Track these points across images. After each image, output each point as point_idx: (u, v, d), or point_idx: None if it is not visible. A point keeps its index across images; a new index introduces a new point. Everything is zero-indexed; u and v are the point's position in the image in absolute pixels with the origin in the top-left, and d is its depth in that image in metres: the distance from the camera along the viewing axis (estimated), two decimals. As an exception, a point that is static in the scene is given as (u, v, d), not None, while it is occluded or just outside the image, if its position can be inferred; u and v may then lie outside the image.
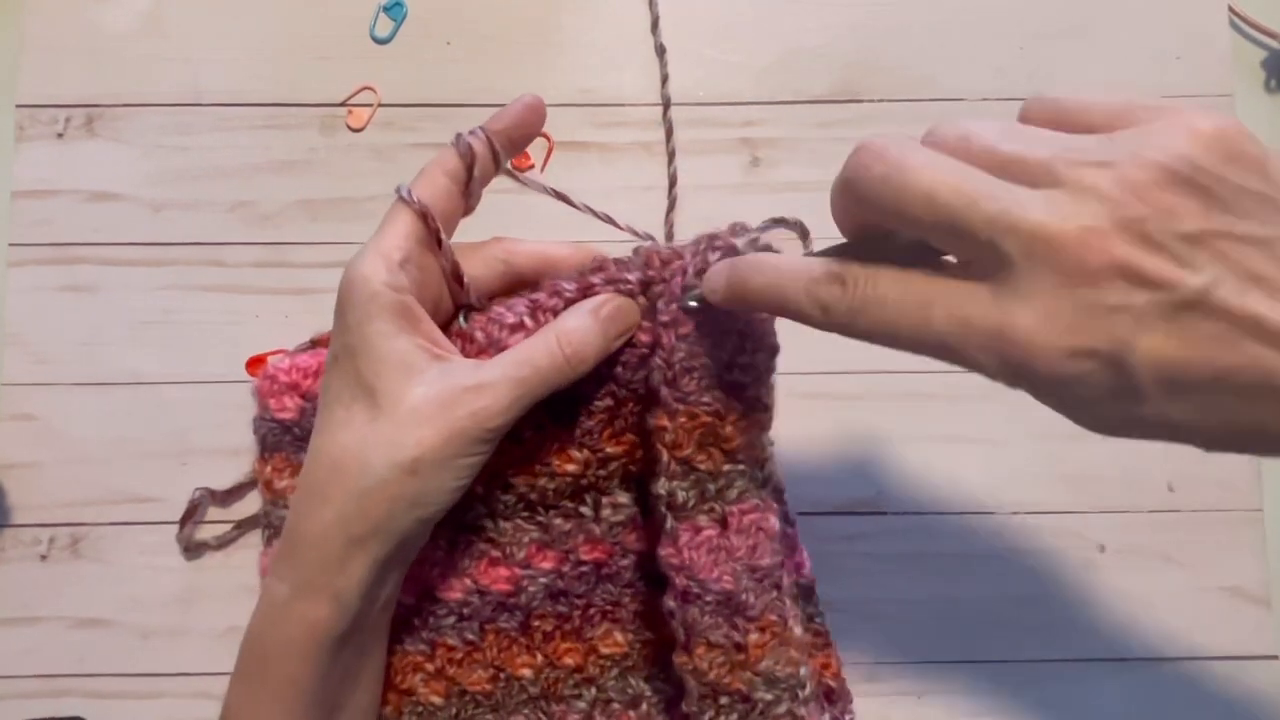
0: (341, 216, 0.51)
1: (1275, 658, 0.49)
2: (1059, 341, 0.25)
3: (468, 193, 0.36)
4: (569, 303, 0.35)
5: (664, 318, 0.35)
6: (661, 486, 0.35)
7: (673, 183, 0.52)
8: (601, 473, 0.39)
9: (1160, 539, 0.50)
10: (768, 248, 0.35)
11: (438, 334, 0.34)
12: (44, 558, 0.49)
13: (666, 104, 0.52)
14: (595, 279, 0.36)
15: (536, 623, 0.40)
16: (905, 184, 0.27)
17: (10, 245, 0.51)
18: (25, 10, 0.52)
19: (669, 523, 0.35)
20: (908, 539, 0.49)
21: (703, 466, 0.35)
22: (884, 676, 0.48)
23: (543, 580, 0.40)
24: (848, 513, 0.49)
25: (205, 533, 0.49)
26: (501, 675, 0.40)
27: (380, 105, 0.52)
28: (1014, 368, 0.27)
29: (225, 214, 0.51)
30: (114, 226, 0.51)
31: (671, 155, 0.52)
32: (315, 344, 0.47)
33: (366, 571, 0.33)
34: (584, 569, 0.40)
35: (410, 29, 0.53)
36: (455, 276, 0.36)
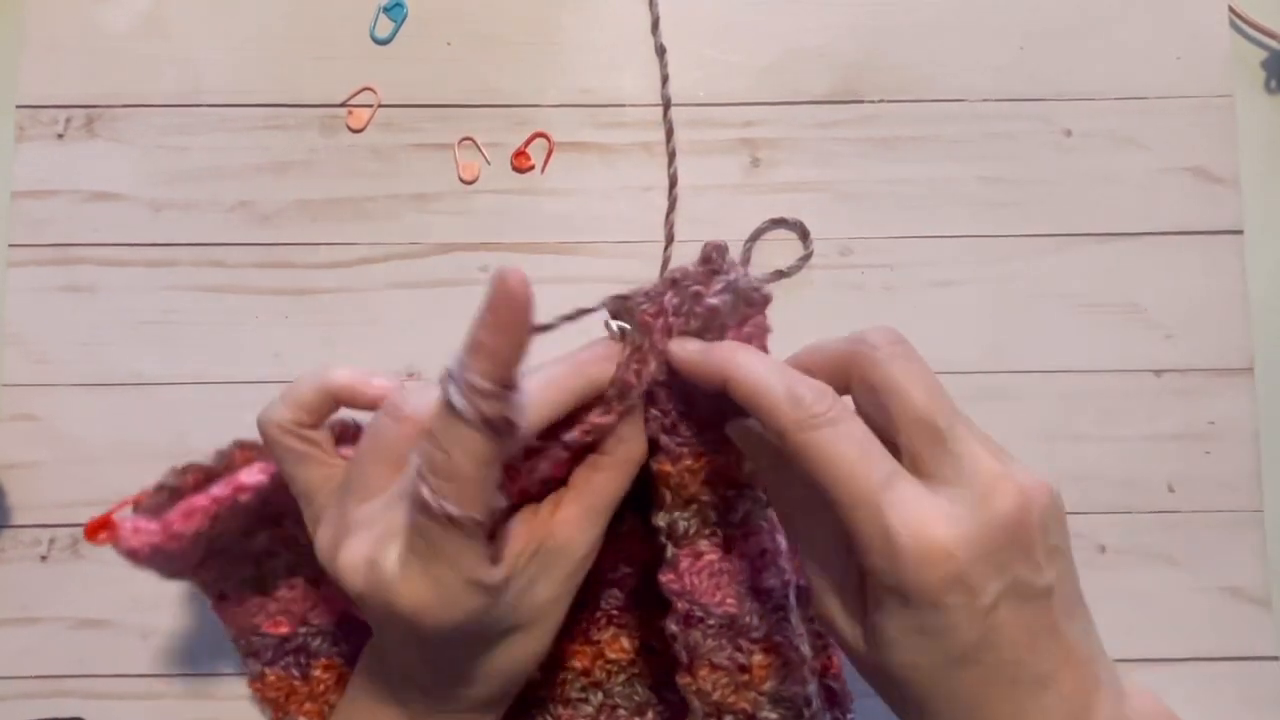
0: (341, 216, 0.51)
1: (1275, 658, 0.49)
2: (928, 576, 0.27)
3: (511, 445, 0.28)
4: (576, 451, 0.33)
5: (660, 378, 0.33)
6: (661, 519, 0.34)
7: (673, 183, 0.52)
8: None
9: (1160, 539, 0.50)
10: (744, 294, 0.33)
11: (506, 547, 0.32)
12: (44, 558, 0.49)
13: (666, 104, 0.52)
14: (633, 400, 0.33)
15: None
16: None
17: (10, 245, 0.51)
18: (25, 10, 0.52)
19: (669, 551, 0.35)
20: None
21: (705, 498, 0.34)
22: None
23: None
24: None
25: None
26: None
27: (380, 106, 0.52)
28: (894, 575, 0.27)
29: (225, 214, 0.51)
30: (114, 226, 0.51)
31: (672, 155, 0.52)
32: (174, 492, 0.39)
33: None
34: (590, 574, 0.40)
35: (410, 29, 0.53)
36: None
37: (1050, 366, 0.51)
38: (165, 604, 0.49)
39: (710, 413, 0.34)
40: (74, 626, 0.48)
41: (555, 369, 0.32)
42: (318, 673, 0.44)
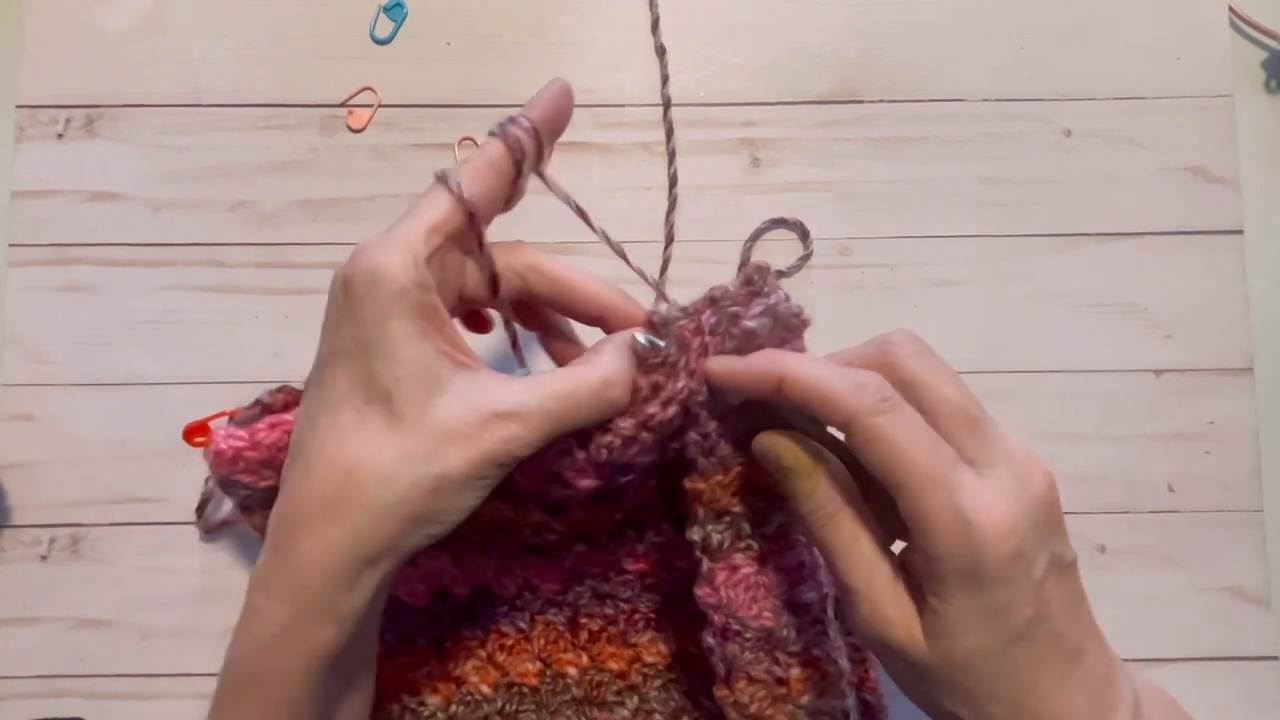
0: (341, 216, 0.51)
1: (1275, 658, 0.49)
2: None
3: (513, 191, 0.34)
4: (627, 441, 0.33)
5: (697, 396, 0.33)
6: (695, 533, 0.34)
7: (673, 183, 0.52)
8: (647, 513, 0.39)
9: (1160, 539, 0.50)
10: (782, 319, 0.33)
11: (460, 339, 0.31)
12: (44, 558, 0.49)
13: (667, 104, 0.52)
14: (653, 409, 0.33)
15: (584, 620, 0.41)
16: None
17: (10, 245, 0.51)
18: (25, 10, 0.52)
19: (705, 565, 0.34)
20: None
21: (737, 510, 0.34)
22: (884, 675, 0.48)
23: (590, 582, 0.41)
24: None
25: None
26: (548, 671, 0.41)
27: (380, 106, 0.52)
28: (970, 555, 0.28)
29: (225, 214, 0.51)
30: (114, 226, 0.51)
31: (672, 155, 0.52)
32: (265, 408, 0.42)
33: (374, 590, 0.30)
34: (627, 577, 0.41)
35: (410, 29, 0.53)
36: (491, 282, 0.34)
37: (1050, 366, 0.51)
38: (165, 604, 0.49)
39: (743, 431, 0.33)
40: (74, 626, 0.48)
41: (576, 382, 0.31)
42: None
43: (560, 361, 0.39)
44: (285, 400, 0.42)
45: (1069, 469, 0.50)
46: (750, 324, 0.32)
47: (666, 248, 0.51)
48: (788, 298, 0.33)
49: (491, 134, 0.33)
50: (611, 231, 0.52)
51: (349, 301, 0.30)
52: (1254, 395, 0.51)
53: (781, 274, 0.51)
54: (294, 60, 0.53)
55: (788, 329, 0.33)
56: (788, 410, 0.32)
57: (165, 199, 0.51)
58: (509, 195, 0.34)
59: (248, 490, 0.41)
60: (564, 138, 0.52)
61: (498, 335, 0.38)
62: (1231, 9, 0.53)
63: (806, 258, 0.51)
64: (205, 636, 0.48)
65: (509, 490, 0.34)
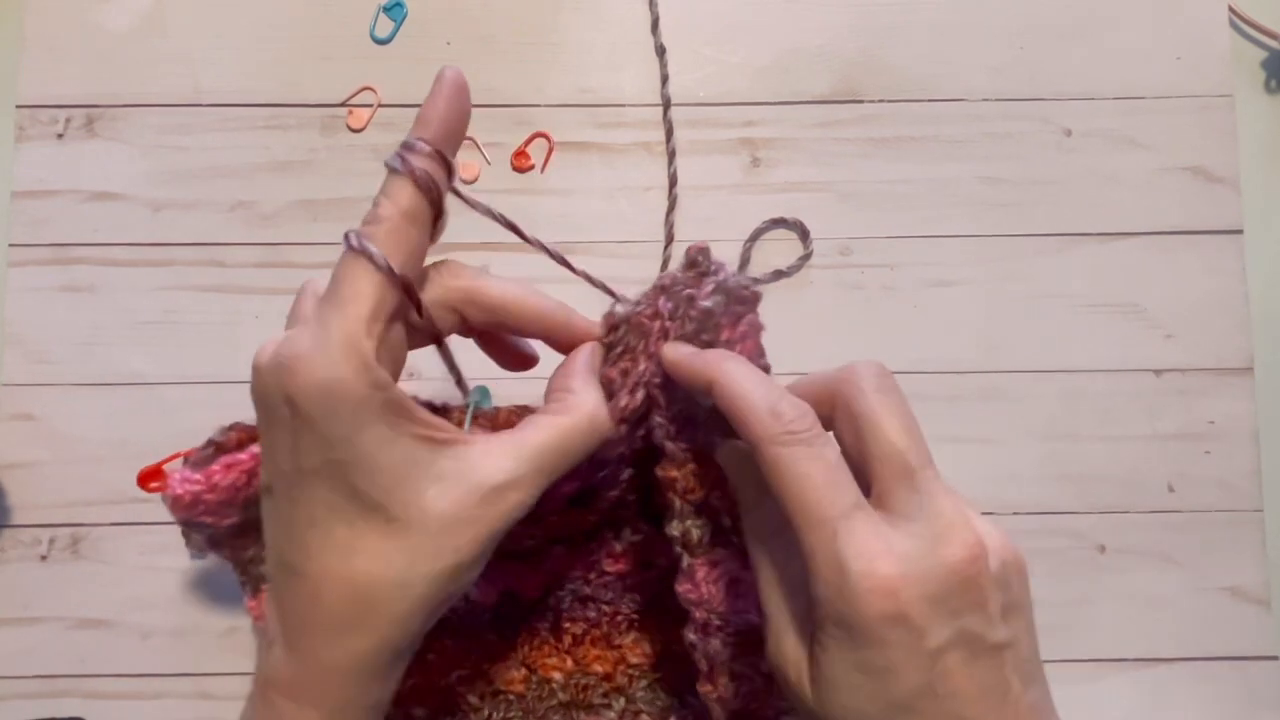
0: (341, 216, 0.51)
1: (1275, 658, 0.49)
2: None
3: (436, 229, 0.30)
4: (607, 440, 0.33)
5: (655, 379, 0.33)
6: (675, 528, 0.34)
7: (673, 183, 0.52)
8: (623, 512, 0.39)
9: (1160, 539, 0.50)
10: (733, 293, 0.33)
11: (427, 415, 0.29)
12: (44, 558, 0.49)
13: (666, 104, 0.52)
14: (624, 400, 0.33)
15: (567, 624, 0.41)
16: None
17: (10, 245, 0.51)
18: (25, 10, 0.52)
19: (685, 560, 0.34)
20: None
21: (716, 503, 0.34)
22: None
23: (570, 585, 0.40)
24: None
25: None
26: (534, 677, 0.41)
27: (380, 105, 0.52)
28: (839, 603, 0.27)
29: (225, 214, 0.51)
30: (114, 226, 0.51)
31: (672, 155, 0.52)
32: (219, 447, 0.42)
33: (402, 669, 0.31)
34: (608, 578, 0.40)
35: (410, 29, 0.53)
36: (434, 339, 0.32)
37: (1050, 366, 0.51)
38: (165, 604, 0.49)
39: (714, 420, 0.33)
40: (74, 626, 0.48)
41: (564, 432, 0.31)
42: None
43: (504, 362, 0.36)
44: (239, 438, 0.42)
45: (1069, 469, 0.50)
46: (706, 303, 0.32)
47: (666, 248, 0.51)
48: (734, 273, 0.33)
49: (392, 170, 0.29)
50: (611, 232, 0.52)
51: (302, 422, 0.27)
52: (1254, 395, 0.51)
53: (781, 274, 0.51)
54: (294, 60, 0.53)
55: (740, 302, 0.33)
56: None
57: (165, 199, 0.51)
58: (434, 234, 0.30)
59: (212, 529, 0.42)
60: (564, 137, 0.52)
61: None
62: (1231, 9, 0.53)
63: (806, 258, 0.51)
64: (205, 636, 0.48)
65: None
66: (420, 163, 0.28)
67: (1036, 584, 0.29)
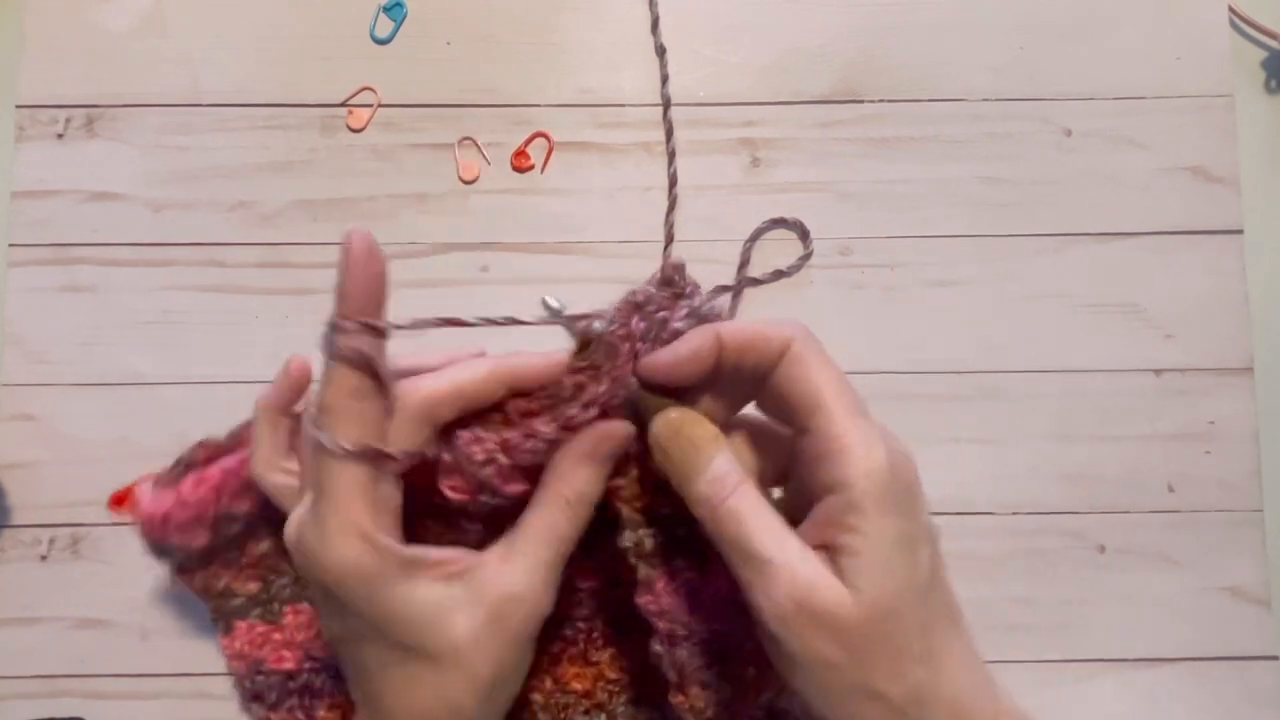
0: (341, 216, 0.51)
1: (1275, 658, 0.49)
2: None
3: (386, 394, 0.31)
4: (550, 444, 0.32)
5: (614, 400, 0.33)
6: (627, 539, 0.33)
7: (673, 183, 0.52)
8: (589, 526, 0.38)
9: (1160, 539, 0.50)
10: (705, 320, 0.33)
11: (435, 553, 0.32)
12: (44, 558, 0.49)
13: (666, 104, 0.52)
14: (573, 410, 0.32)
15: (542, 643, 0.40)
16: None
17: (10, 245, 0.51)
18: (25, 10, 0.52)
19: (642, 571, 0.34)
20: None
21: (666, 512, 0.33)
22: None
23: None
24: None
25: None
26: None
27: (380, 105, 0.52)
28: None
29: (225, 214, 0.51)
30: (114, 226, 0.51)
31: (672, 155, 0.52)
32: (188, 466, 0.42)
33: None
34: (581, 594, 0.40)
35: (410, 29, 0.53)
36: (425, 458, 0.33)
37: (1050, 366, 0.51)
38: (165, 604, 0.49)
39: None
40: (74, 626, 0.48)
41: (561, 530, 0.32)
42: (322, 713, 0.44)
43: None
44: (207, 455, 0.43)
45: (1069, 469, 0.50)
46: (679, 325, 0.32)
47: (666, 248, 0.51)
48: (705, 297, 0.33)
49: (327, 358, 0.30)
50: (611, 231, 0.52)
51: (337, 600, 0.31)
52: (1254, 395, 0.51)
53: (781, 274, 0.51)
54: (294, 60, 0.53)
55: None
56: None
57: (165, 199, 0.51)
58: (384, 389, 0.31)
59: (182, 552, 0.42)
60: (565, 137, 0.52)
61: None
62: (1231, 9, 0.53)
63: (806, 258, 0.51)
64: (205, 636, 0.48)
65: (438, 507, 0.34)
66: (349, 342, 0.29)
67: (1037, 584, 0.29)
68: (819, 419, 0.30)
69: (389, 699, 0.32)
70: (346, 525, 0.30)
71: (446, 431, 0.33)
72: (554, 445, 0.32)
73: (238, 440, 0.43)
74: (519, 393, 0.33)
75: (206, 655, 0.48)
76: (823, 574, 0.29)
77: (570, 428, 0.32)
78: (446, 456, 0.33)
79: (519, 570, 0.32)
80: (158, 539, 0.41)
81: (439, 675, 0.31)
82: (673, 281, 0.33)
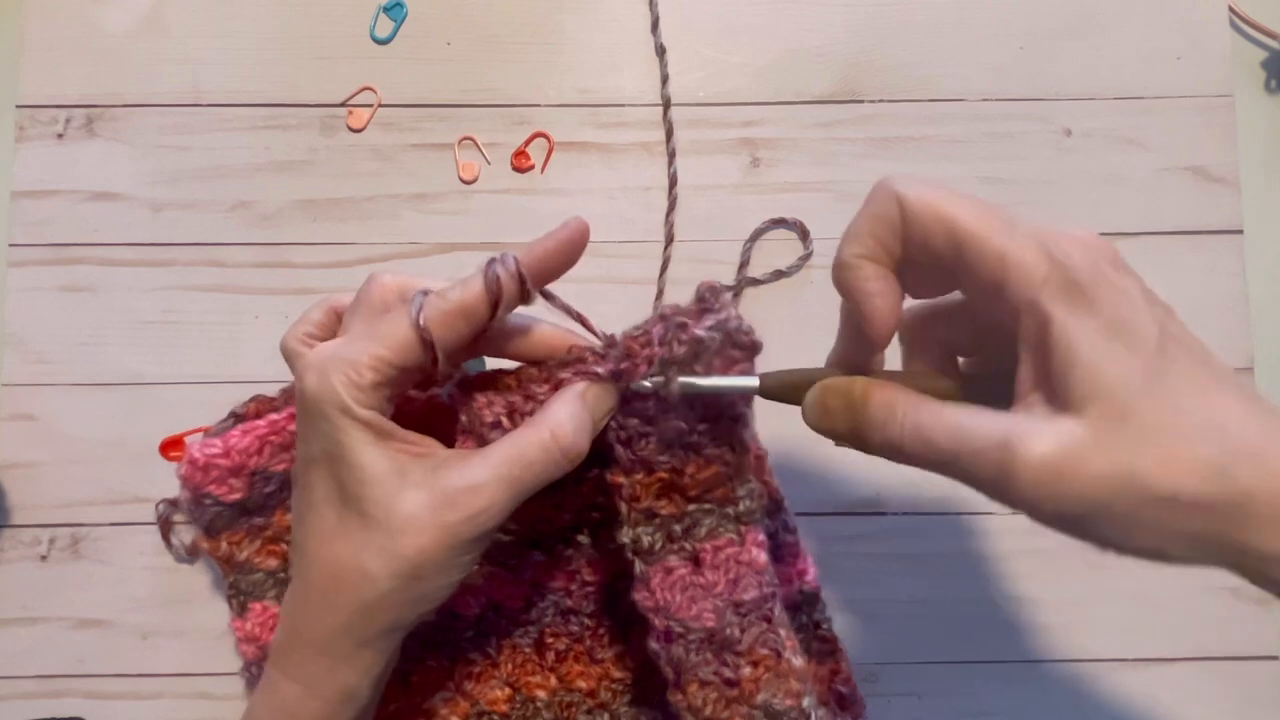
0: (341, 216, 0.51)
1: (1275, 658, 0.49)
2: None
3: (484, 332, 0.33)
4: (541, 404, 0.34)
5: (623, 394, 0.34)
6: (625, 535, 0.34)
7: (673, 183, 0.52)
8: (595, 514, 0.39)
9: (1160, 539, 0.50)
10: (732, 336, 0.33)
11: (412, 435, 0.33)
12: (44, 558, 0.49)
13: (667, 104, 0.52)
14: (566, 374, 0.34)
15: (550, 640, 0.41)
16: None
17: (10, 245, 0.51)
18: (25, 10, 0.52)
19: (638, 567, 0.34)
20: (908, 539, 0.49)
21: (664, 511, 0.34)
22: (884, 676, 0.48)
23: (551, 597, 0.40)
24: (848, 513, 0.49)
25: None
26: (518, 696, 0.40)
27: (380, 105, 0.52)
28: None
29: (225, 214, 0.51)
30: (114, 226, 0.51)
31: (672, 155, 0.52)
32: (238, 418, 0.44)
33: (376, 666, 0.33)
34: (590, 589, 0.40)
35: (410, 29, 0.53)
36: (440, 380, 0.35)
37: (1050, 366, 0.51)
38: (165, 604, 0.49)
39: (671, 437, 0.34)
40: (74, 626, 0.48)
41: (525, 443, 0.32)
42: None
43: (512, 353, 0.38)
44: (258, 408, 0.43)
45: (1069, 469, 0.50)
46: (699, 333, 0.32)
47: (666, 248, 0.51)
48: (740, 318, 0.33)
49: (482, 270, 0.32)
50: (611, 232, 0.52)
51: (308, 415, 0.32)
52: (1254, 395, 0.51)
53: (781, 274, 0.51)
54: (294, 60, 0.53)
55: (737, 346, 0.33)
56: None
57: (165, 199, 0.51)
58: (487, 328, 0.33)
59: (215, 505, 0.42)
60: (565, 137, 0.52)
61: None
62: (1231, 9, 0.53)
63: (806, 258, 0.51)
64: (205, 636, 0.48)
65: None
66: (502, 275, 0.32)
67: (1036, 584, 0.29)
68: (969, 253, 0.28)
69: (313, 542, 0.32)
70: (357, 364, 0.31)
71: (466, 395, 0.34)
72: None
73: (290, 398, 0.44)
74: (534, 363, 0.35)
75: (206, 655, 0.48)
76: (1031, 427, 0.27)
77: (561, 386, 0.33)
78: (463, 418, 0.34)
79: (476, 471, 0.31)
80: (196, 486, 0.42)
81: (364, 535, 0.31)
82: (704, 299, 0.33)
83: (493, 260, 0.32)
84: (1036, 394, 0.28)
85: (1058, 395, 0.27)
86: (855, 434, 0.31)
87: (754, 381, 0.33)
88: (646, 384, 0.33)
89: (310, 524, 0.32)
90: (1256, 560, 0.27)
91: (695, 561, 0.34)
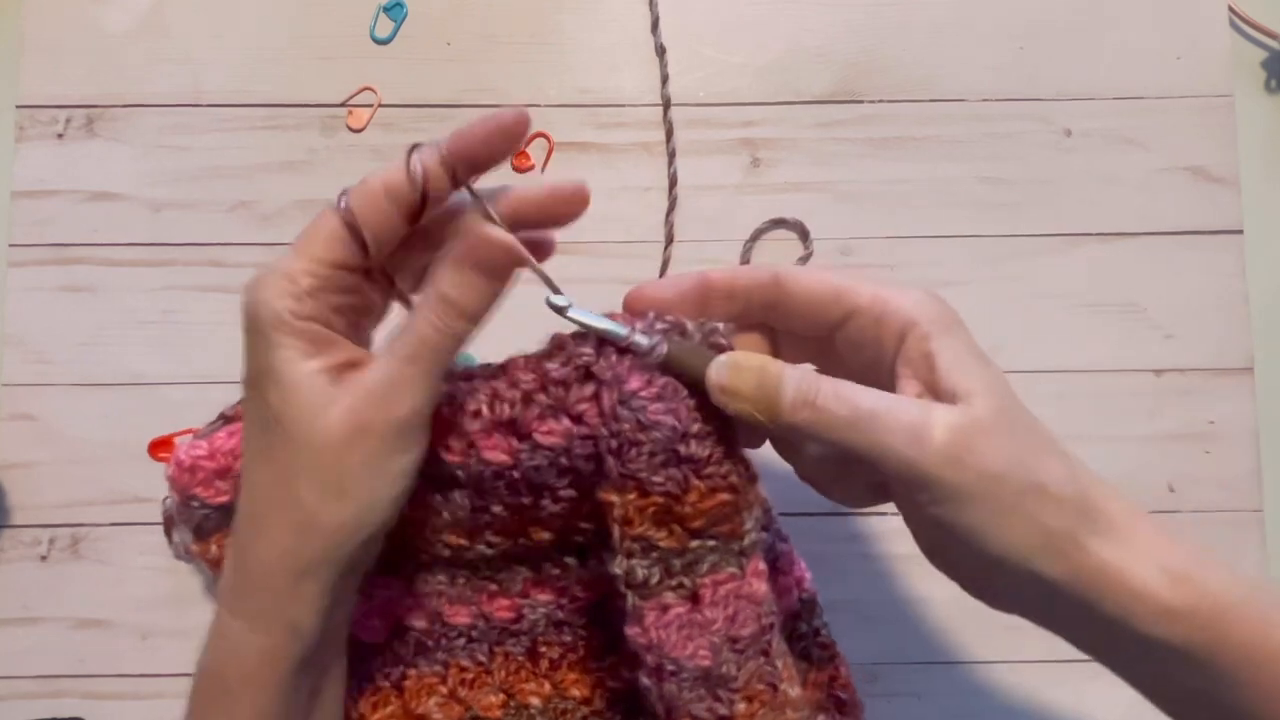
0: (341, 216, 0.51)
1: (1275, 658, 0.49)
2: None
3: (415, 218, 0.32)
4: (526, 394, 0.33)
5: (604, 375, 0.32)
6: (618, 565, 0.32)
7: (673, 183, 0.52)
8: (578, 538, 0.37)
9: (1160, 539, 0.50)
10: (716, 343, 0.33)
11: (354, 349, 0.32)
12: (44, 558, 0.49)
13: (666, 104, 0.52)
14: (552, 365, 0.33)
15: (543, 649, 0.40)
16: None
17: (10, 245, 0.51)
18: (25, 10, 0.52)
19: (631, 601, 0.33)
20: (908, 539, 0.49)
21: (663, 544, 0.32)
22: (884, 676, 0.48)
23: (542, 610, 0.39)
24: (848, 513, 0.49)
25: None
26: (511, 702, 0.40)
27: (380, 105, 0.52)
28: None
29: (225, 214, 0.51)
30: (114, 226, 0.51)
31: (672, 155, 0.52)
32: (227, 419, 0.43)
33: (319, 599, 0.31)
34: (581, 603, 0.39)
35: (410, 29, 0.53)
36: (401, 298, 0.34)
37: (1050, 366, 0.51)
38: (165, 604, 0.49)
39: (667, 447, 0.32)
40: (74, 626, 0.48)
41: (418, 321, 0.31)
42: None
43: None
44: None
45: (1069, 469, 0.50)
46: (687, 323, 0.33)
47: (666, 248, 0.51)
48: (718, 326, 0.34)
49: (406, 154, 0.32)
50: (611, 232, 0.52)
51: (247, 334, 0.31)
52: (1254, 395, 0.51)
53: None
54: (294, 60, 0.53)
55: (714, 349, 0.33)
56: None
57: (165, 199, 0.51)
58: (410, 222, 0.32)
59: (203, 508, 0.42)
60: (565, 137, 0.52)
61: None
62: (1231, 9, 0.53)
63: (806, 258, 0.51)
64: (205, 636, 0.48)
65: (432, 476, 0.34)
66: (425, 157, 0.31)
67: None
68: (848, 300, 0.33)
69: (250, 463, 0.32)
70: (286, 272, 0.30)
71: (451, 387, 0.33)
72: (528, 397, 0.33)
73: None
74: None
75: (206, 655, 0.48)
76: (937, 405, 0.30)
77: (546, 380, 0.33)
78: (445, 410, 0.33)
79: (379, 365, 0.31)
80: (184, 488, 0.41)
81: (289, 454, 0.30)
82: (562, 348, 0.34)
83: (413, 147, 0.31)
84: (925, 397, 0.31)
85: (944, 396, 0.31)
86: (764, 401, 0.31)
87: (623, 330, 0.32)
88: (560, 300, 0.32)
89: (249, 447, 0.32)
90: (1097, 568, 0.30)
91: (694, 599, 0.33)
